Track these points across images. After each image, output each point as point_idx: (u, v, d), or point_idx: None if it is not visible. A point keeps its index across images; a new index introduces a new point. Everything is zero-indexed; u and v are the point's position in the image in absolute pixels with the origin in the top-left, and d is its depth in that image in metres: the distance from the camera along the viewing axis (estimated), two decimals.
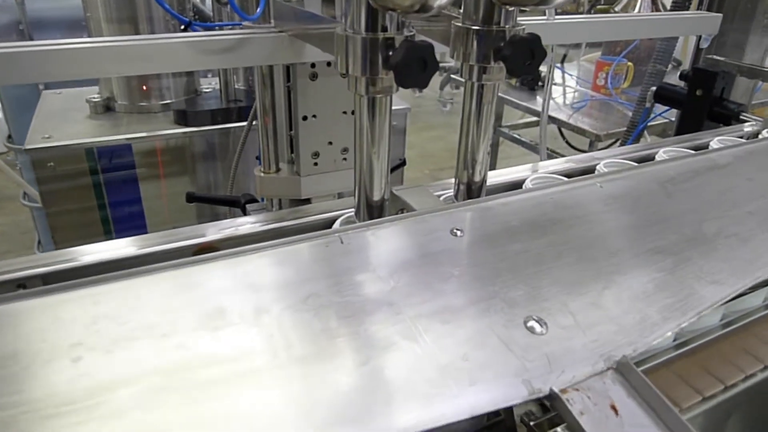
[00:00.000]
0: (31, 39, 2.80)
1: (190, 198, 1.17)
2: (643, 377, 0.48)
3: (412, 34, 0.55)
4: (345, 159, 1.04)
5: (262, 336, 0.48)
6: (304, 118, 0.96)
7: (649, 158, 0.96)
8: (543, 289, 0.57)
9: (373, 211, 0.69)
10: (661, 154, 0.91)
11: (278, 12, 0.84)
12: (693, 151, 0.92)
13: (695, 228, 0.69)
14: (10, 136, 2.17)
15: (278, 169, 1.04)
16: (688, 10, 1.74)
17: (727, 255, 0.65)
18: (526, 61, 0.57)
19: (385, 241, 0.61)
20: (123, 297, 0.51)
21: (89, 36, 1.72)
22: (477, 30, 0.60)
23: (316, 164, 1.01)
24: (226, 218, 0.74)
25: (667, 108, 1.53)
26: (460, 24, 0.62)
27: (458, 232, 0.62)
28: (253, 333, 0.48)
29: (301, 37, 0.81)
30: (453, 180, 0.78)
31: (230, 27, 1.04)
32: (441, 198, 0.76)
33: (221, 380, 0.44)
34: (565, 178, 0.82)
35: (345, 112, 0.99)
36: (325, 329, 0.49)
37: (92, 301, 0.50)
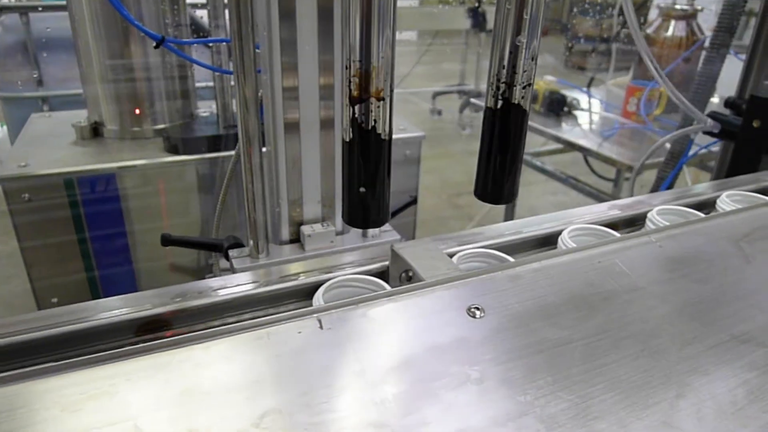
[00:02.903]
0: (36, 59, 2.73)
1: (166, 240, 1.03)
2: None
3: None
4: None
5: None
6: None
7: (709, 203, 0.81)
8: (594, 399, 0.41)
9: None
10: (724, 200, 0.76)
11: None
12: (764, 197, 0.76)
13: None
14: None
15: None
16: (733, 35, 1.60)
17: None
18: None
19: (380, 325, 0.46)
20: (4, 411, 0.36)
21: (77, 54, 1.60)
22: None
23: None
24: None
25: (714, 140, 1.38)
26: None
27: (477, 312, 0.47)
28: None
29: None
30: (468, 231, 0.64)
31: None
32: (455, 257, 0.61)
33: None
34: (611, 231, 0.67)
35: None
36: None
37: None
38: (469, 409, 0.39)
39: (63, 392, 0.38)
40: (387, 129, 0.47)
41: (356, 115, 0.46)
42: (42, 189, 1.40)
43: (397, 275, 0.58)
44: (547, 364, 0.44)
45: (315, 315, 0.45)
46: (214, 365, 0.41)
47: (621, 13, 3.03)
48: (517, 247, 0.68)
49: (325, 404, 0.38)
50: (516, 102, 0.48)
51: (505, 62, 0.48)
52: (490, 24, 4.87)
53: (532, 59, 0.48)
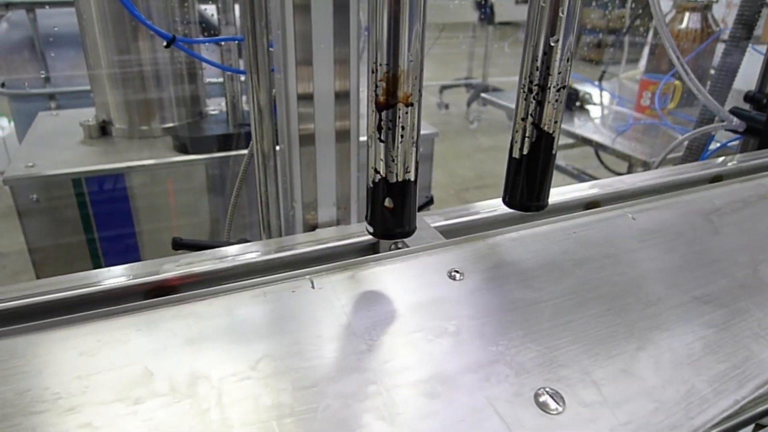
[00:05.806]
0: (44, 56, 2.77)
1: (177, 244, 1.08)
2: None
3: None
4: None
5: (194, 413, 0.39)
6: None
7: None
8: (560, 350, 0.47)
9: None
10: None
11: None
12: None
13: (750, 271, 0.59)
14: None
15: None
16: (753, 29, 1.60)
17: None
18: None
19: (366, 285, 0.52)
20: (27, 356, 0.43)
21: (85, 52, 1.65)
22: None
23: None
24: None
25: (735, 137, 1.39)
26: None
27: (457, 275, 0.54)
28: (182, 408, 0.40)
29: None
30: (454, 208, 0.69)
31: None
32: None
33: None
34: None
35: None
36: (275, 405, 0.40)
37: None
38: (445, 357, 0.45)
39: (80, 340, 0.45)
40: (415, 137, 0.47)
41: (382, 122, 0.46)
42: (50, 189, 1.45)
43: (387, 247, 0.64)
44: (518, 321, 0.50)
45: (307, 276, 0.51)
46: (215, 318, 0.47)
47: (633, 5, 3.07)
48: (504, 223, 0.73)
49: (314, 351, 0.45)
50: (549, 103, 0.49)
51: (539, 63, 0.48)
52: (498, 17, 4.89)
53: (568, 60, 0.48)
